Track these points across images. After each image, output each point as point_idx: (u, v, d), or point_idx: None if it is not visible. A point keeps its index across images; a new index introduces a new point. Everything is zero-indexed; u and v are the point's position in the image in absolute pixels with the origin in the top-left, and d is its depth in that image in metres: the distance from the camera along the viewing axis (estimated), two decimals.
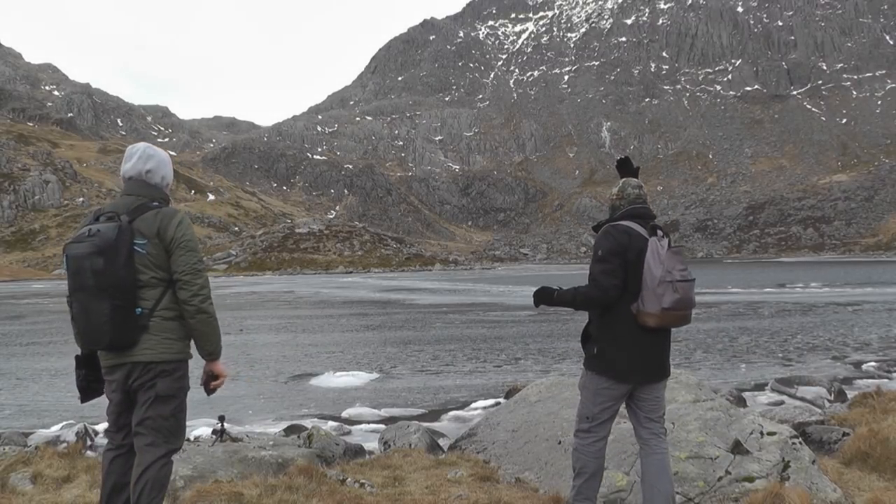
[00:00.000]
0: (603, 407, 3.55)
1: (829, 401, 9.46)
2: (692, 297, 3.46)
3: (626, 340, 3.46)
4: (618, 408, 3.62)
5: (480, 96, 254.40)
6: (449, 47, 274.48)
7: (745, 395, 10.03)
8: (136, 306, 3.08)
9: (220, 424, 6.10)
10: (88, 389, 3.29)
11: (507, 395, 9.25)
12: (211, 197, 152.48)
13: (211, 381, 3.29)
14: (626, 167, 3.75)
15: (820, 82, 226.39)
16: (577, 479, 3.63)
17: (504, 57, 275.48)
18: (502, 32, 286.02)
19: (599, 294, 3.45)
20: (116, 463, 3.24)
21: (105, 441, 3.46)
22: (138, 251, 3.08)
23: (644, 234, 3.50)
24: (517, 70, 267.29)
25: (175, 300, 3.15)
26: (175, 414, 3.17)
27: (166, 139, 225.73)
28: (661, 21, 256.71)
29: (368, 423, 9.60)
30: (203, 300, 3.13)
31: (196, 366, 3.19)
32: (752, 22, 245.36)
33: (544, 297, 3.61)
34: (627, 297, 3.45)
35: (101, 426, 8.61)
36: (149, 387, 3.12)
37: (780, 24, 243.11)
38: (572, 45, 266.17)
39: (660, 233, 3.52)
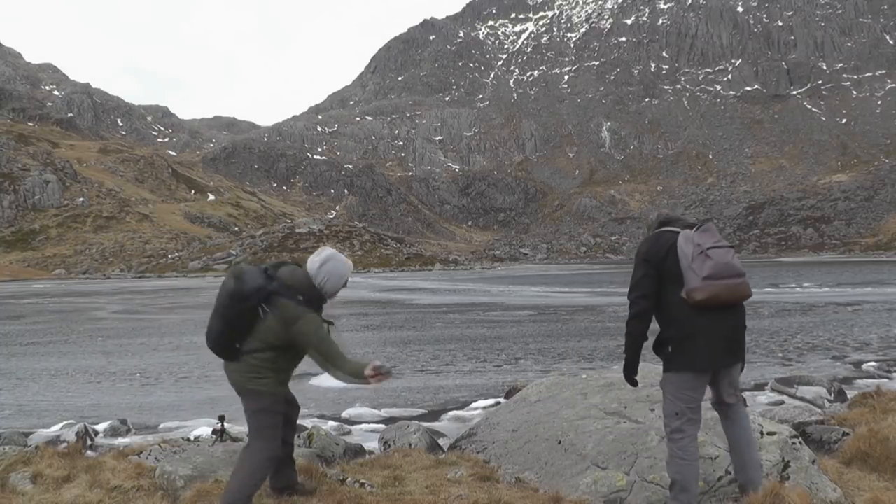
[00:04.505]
0: (689, 399, 3.54)
1: (829, 401, 9.44)
2: (733, 263, 3.40)
3: (687, 327, 3.45)
4: (702, 398, 3.61)
5: (480, 96, 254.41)
6: (449, 47, 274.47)
7: (745, 394, 10.01)
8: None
9: (220, 424, 6.10)
10: None
11: (507, 395, 9.24)
12: (211, 197, 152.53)
13: None
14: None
15: (820, 82, 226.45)
16: (682, 495, 3.51)
17: (504, 57, 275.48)
18: (502, 32, 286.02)
19: (633, 313, 3.52)
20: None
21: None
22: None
23: (675, 231, 3.57)
24: (517, 70, 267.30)
25: None
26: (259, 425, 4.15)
27: (166, 139, 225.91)
28: (661, 21, 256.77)
29: (368, 423, 9.58)
30: None
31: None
32: (752, 22, 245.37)
33: (628, 370, 3.68)
34: (673, 289, 3.46)
35: (101, 426, 8.63)
36: None
37: (780, 24, 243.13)
38: (572, 45, 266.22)
39: (695, 228, 3.56)
